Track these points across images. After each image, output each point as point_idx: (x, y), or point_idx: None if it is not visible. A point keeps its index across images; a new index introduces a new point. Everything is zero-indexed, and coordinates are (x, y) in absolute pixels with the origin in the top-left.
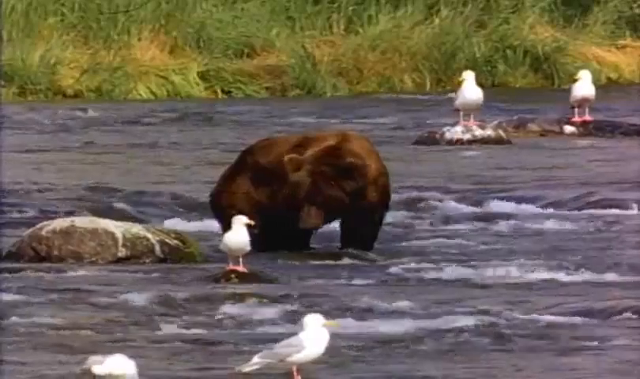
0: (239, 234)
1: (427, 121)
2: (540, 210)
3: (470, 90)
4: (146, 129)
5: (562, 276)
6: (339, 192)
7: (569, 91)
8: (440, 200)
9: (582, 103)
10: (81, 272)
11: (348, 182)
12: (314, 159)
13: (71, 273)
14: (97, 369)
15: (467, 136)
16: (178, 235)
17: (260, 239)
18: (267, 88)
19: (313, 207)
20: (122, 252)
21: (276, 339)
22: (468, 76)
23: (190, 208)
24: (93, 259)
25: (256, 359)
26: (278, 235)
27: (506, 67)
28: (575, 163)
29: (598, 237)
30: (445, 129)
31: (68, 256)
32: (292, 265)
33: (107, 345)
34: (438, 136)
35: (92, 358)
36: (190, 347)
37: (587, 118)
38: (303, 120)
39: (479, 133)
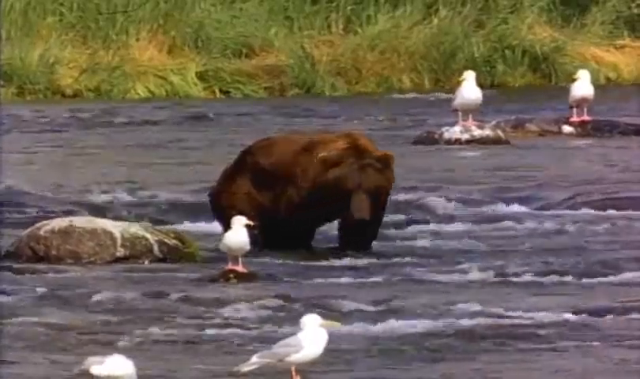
0: (238, 234)
1: (426, 121)
2: (538, 210)
3: (469, 90)
4: (144, 129)
5: (560, 276)
6: (386, 182)
7: (567, 91)
8: (439, 200)
9: (581, 102)
10: (80, 272)
11: (389, 172)
12: (351, 153)
13: (69, 273)
14: (96, 370)
15: (465, 136)
16: (177, 235)
17: (260, 239)
18: (266, 88)
19: (364, 195)
20: (120, 252)
21: (274, 339)
22: (469, 77)
23: (188, 208)
24: (92, 259)
25: (254, 359)
26: (278, 235)
27: (505, 67)
28: (573, 163)
29: (597, 237)
30: (443, 129)
31: (66, 256)
32: (291, 265)
33: (106, 345)
34: (436, 136)
35: (91, 359)
36: (189, 347)
37: (585, 117)
38: (301, 120)
39: (477, 133)
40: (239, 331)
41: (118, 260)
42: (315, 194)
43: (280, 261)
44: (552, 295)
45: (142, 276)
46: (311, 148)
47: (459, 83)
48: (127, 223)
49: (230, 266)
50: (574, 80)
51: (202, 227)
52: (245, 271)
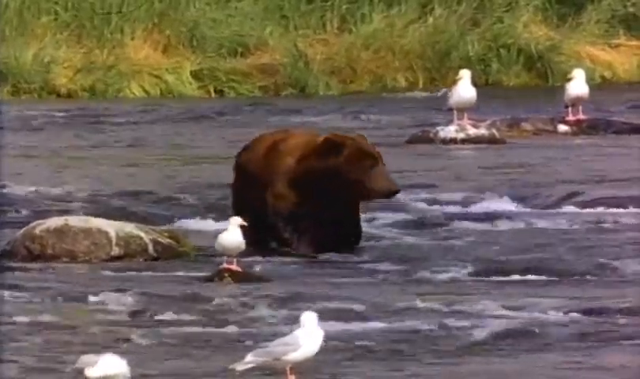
0: (233, 234)
1: (421, 120)
2: (533, 209)
3: (464, 88)
4: (139, 128)
5: (557, 275)
6: None
7: (563, 90)
8: (434, 200)
9: (576, 101)
10: (75, 271)
11: None
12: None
13: (65, 272)
14: (90, 373)
15: (461, 136)
16: (172, 234)
17: (254, 239)
18: (260, 87)
19: (385, 166)
20: (115, 251)
21: (270, 337)
22: (465, 75)
23: (183, 207)
24: (87, 258)
25: (250, 357)
26: (268, 236)
27: (500, 66)
28: (569, 161)
29: (593, 236)
30: (439, 128)
31: (62, 254)
32: (287, 264)
33: (101, 344)
34: (431, 135)
35: (84, 357)
36: (183, 346)
37: (581, 116)
38: (295, 119)
39: (472, 132)
40: (233, 330)
41: (113, 259)
42: (313, 180)
43: (275, 260)
44: (549, 295)
45: (137, 275)
46: (277, 147)
47: (455, 82)
48: (122, 222)
49: (225, 265)
50: (569, 79)
51: (197, 225)
52: (240, 270)
